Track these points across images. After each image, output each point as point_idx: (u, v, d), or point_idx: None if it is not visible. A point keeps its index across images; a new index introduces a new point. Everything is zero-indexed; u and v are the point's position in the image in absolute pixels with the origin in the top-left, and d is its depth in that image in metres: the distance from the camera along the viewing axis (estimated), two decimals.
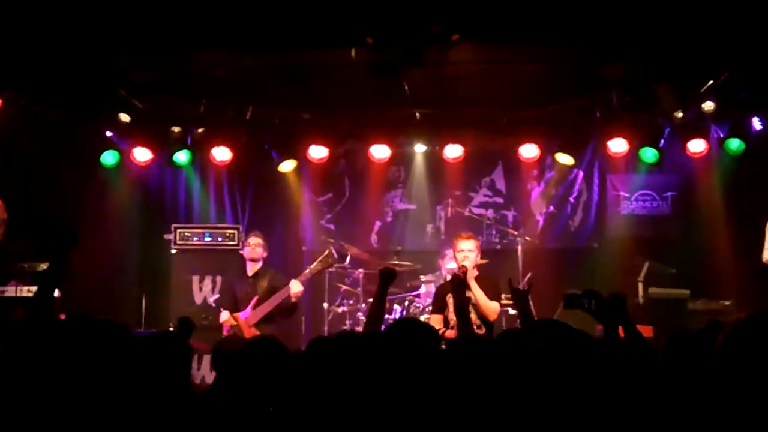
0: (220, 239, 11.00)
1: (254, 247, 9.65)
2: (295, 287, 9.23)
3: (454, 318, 8.17)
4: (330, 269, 10.21)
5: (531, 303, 5.91)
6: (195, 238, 10.97)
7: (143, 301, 11.11)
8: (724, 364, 2.29)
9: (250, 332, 8.89)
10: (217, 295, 10.60)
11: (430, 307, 9.06)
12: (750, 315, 2.41)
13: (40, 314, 4.57)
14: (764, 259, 9.29)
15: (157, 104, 10.79)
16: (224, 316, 9.36)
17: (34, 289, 8.73)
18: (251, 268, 9.66)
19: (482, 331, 8.12)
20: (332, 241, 11.29)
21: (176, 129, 11.03)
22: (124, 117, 10.59)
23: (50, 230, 4.77)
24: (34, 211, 10.05)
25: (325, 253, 9.65)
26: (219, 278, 10.85)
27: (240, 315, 9.26)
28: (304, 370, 3.36)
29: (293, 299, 9.29)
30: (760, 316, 2.33)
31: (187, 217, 11.96)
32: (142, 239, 11.86)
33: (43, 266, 8.65)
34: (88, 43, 8.68)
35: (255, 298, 9.33)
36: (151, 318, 10.94)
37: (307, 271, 9.50)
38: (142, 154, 11.22)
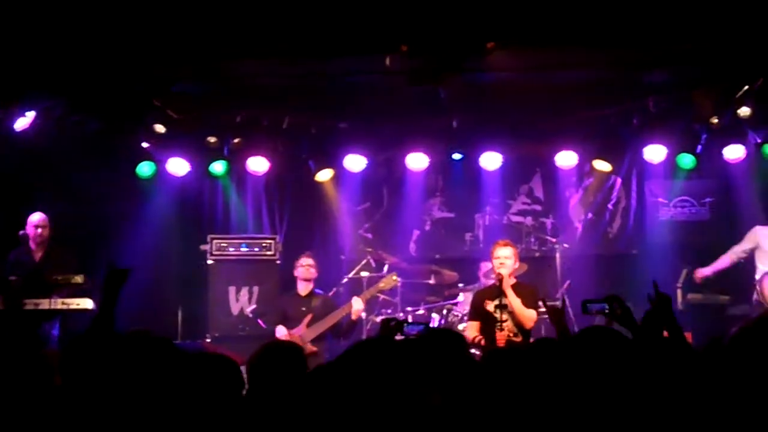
0: (256, 249, 11.00)
1: (308, 268, 9.73)
2: (357, 305, 9.36)
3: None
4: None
5: (569, 314, 5.85)
6: (231, 249, 10.98)
7: (180, 312, 11.14)
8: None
9: (308, 348, 9.01)
10: (254, 306, 10.60)
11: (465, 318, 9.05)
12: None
13: (101, 331, 4.69)
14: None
15: (192, 114, 10.82)
16: (281, 331, 9.37)
17: (68, 301, 8.87)
18: (304, 288, 9.73)
19: (518, 339, 8.08)
20: (370, 250, 11.30)
21: (212, 139, 11.03)
22: (160, 128, 10.59)
23: (106, 270, 5.13)
24: (73, 224, 10.14)
25: (392, 277, 9.81)
26: (256, 288, 10.86)
27: (294, 332, 9.31)
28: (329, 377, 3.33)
29: (354, 317, 9.37)
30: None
31: (224, 227, 11.96)
32: (179, 250, 11.85)
33: (78, 279, 8.74)
34: (122, 53, 8.70)
35: (310, 316, 9.39)
36: (188, 329, 10.98)
37: (367, 291, 9.66)
38: (178, 165, 11.25)
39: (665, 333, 4.56)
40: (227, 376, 3.97)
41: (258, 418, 3.89)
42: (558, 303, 5.97)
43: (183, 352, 4.26)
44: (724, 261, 10.35)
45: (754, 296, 9.92)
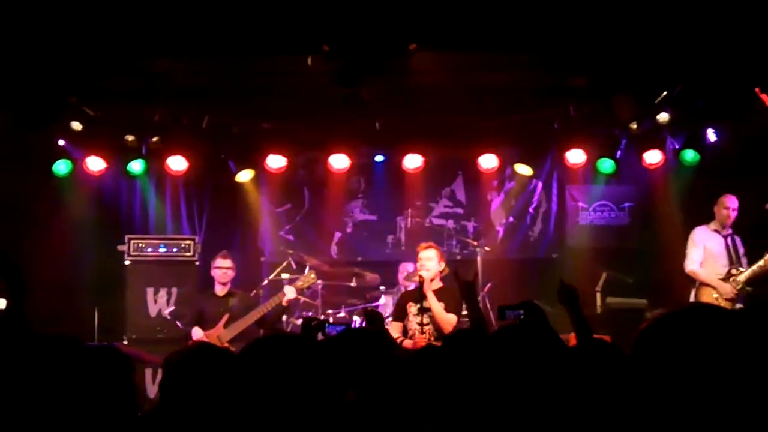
0: (175, 250, 10.82)
1: (225, 271, 9.55)
2: (290, 293, 9.28)
3: (413, 327, 8.14)
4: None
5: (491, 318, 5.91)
6: (149, 249, 10.78)
7: (96, 314, 10.90)
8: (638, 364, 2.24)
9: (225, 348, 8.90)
10: (173, 308, 10.41)
11: (390, 318, 8.99)
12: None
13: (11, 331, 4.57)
14: (686, 270, 9.69)
15: (110, 112, 10.59)
16: (197, 333, 9.21)
17: None
18: (221, 290, 9.55)
19: (439, 343, 8.03)
20: (291, 252, 11.20)
21: (130, 138, 10.81)
22: (76, 125, 10.37)
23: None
24: None
25: (310, 275, 9.77)
26: (174, 290, 10.68)
27: (211, 332, 9.17)
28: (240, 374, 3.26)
29: (285, 304, 9.30)
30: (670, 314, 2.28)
31: (143, 228, 11.73)
32: (96, 251, 11.57)
33: None
34: (39, 48, 8.48)
35: (226, 317, 9.24)
36: (105, 331, 10.73)
37: (294, 284, 9.52)
38: (95, 164, 11.00)
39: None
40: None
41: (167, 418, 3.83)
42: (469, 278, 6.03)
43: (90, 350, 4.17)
44: (702, 275, 9.66)
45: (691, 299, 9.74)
